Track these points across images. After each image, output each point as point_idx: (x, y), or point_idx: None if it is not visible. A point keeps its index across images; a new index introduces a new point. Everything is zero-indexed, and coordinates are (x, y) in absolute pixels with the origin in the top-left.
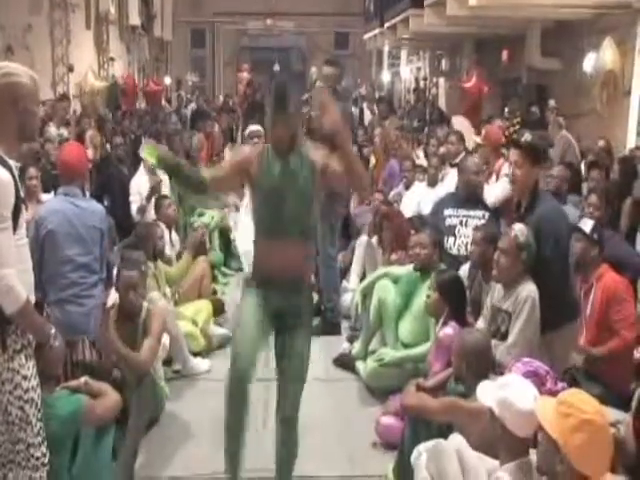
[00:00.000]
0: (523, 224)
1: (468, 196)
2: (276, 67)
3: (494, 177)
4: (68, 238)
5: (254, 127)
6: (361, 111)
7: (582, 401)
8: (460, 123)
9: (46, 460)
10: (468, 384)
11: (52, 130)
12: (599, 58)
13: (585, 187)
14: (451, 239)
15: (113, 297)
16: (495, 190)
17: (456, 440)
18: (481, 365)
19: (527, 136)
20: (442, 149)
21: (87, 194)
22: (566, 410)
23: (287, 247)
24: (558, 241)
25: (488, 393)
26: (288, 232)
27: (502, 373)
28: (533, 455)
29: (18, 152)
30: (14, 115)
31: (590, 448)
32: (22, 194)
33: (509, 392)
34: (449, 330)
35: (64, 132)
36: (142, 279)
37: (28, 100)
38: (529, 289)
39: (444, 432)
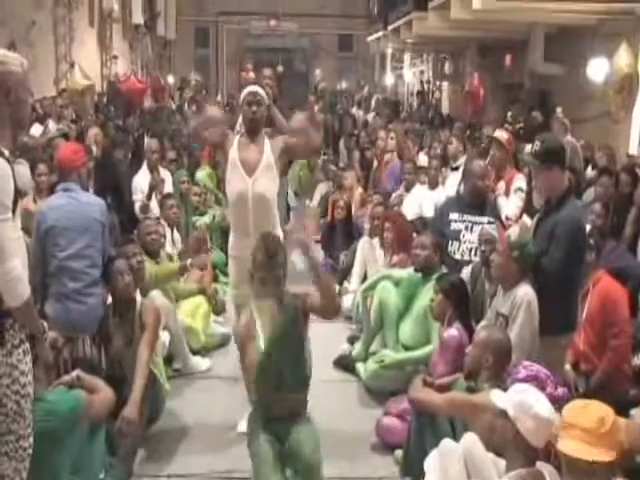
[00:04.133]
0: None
1: (473, 201)
2: (279, 68)
3: (502, 184)
4: (69, 232)
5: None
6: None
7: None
8: None
9: (31, 451)
10: (483, 378)
11: (51, 126)
12: (614, 63)
13: (593, 192)
14: (455, 244)
15: None
16: (510, 207)
17: (469, 439)
18: (503, 361)
19: (536, 144)
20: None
21: (90, 191)
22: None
23: (289, 399)
24: (569, 248)
25: (503, 396)
26: (288, 386)
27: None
28: (541, 466)
29: (12, 142)
30: (6, 105)
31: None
32: (17, 186)
33: (527, 396)
34: (454, 332)
35: (64, 127)
36: (135, 268)
37: (20, 89)
38: (524, 291)
39: (449, 430)
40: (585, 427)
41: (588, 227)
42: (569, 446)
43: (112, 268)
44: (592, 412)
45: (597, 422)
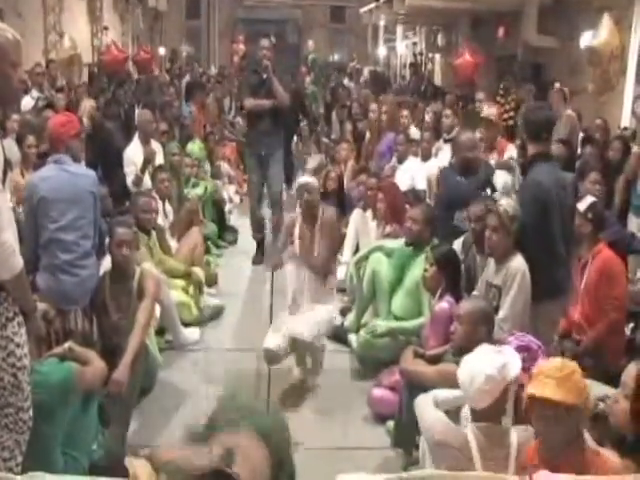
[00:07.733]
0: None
1: (464, 172)
2: (272, 39)
3: (495, 155)
4: (60, 203)
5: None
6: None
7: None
8: None
9: (31, 424)
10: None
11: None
12: (596, 36)
13: (578, 163)
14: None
15: (106, 264)
16: (504, 178)
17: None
18: (485, 330)
19: (519, 118)
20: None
21: (82, 163)
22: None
23: None
24: (534, 212)
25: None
26: None
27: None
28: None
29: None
30: None
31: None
32: (6, 158)
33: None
34: (445, 304)
35: (48, 96)
36: (134, 239)
37: (2, 62)
38: (519, 262)
39: None
40: (547, 372)
41: (589, 198)
42: (532, 388)
43: (114, 236)
44: (554, 361)
45: (557, 367)
